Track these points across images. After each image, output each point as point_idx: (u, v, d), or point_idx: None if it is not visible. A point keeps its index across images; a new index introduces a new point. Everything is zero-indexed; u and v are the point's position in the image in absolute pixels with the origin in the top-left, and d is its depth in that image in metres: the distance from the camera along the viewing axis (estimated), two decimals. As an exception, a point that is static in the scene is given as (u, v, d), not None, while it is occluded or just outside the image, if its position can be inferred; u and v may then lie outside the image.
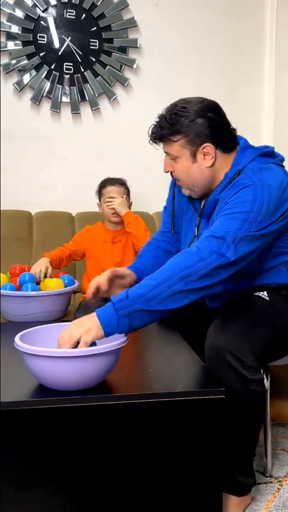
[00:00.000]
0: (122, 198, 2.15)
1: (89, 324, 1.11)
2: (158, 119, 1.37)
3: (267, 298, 1.39)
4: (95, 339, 1.10)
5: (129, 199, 2.22)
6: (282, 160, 1.44)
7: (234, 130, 1.40)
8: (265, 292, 1.41)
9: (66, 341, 1.09)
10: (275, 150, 1.45)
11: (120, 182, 2.20)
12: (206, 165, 1.36)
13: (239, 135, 1.43)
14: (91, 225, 2.27)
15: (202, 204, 1.46)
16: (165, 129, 1.34)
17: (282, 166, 1.42)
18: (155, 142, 1.39)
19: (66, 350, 1.05)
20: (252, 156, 1.36)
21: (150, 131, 1.38)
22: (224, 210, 1.29)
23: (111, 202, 2.12)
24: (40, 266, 1.94)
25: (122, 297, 1.14)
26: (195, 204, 1.50)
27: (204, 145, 1.34)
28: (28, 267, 2.02)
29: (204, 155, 1.36)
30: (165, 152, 1.40)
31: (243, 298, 1.42)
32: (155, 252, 1.65)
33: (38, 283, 1.90)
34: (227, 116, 1.41)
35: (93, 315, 1.13)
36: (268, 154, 1.40)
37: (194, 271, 1.17)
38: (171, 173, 1.44)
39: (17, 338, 1.10)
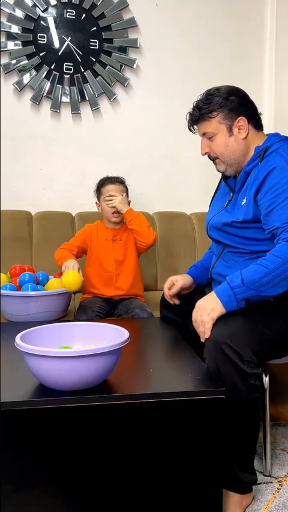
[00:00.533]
0: (122, 196, 2.13)
1: (212, 305, 1.32)
2: (193, 106, 1.53)
3: (272, 299, 1.40)
4: (219, 316, 1.31)
5: (127, 197, 2.20)
6: None
7: (260, 114, 1.56)
8: None
9: (204, 328, 1.30)
10: None
11: (120, 181, 2.18)
12: (241, 137, 1.51)
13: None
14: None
15: (235, 181, 1.57)
16: (203, 109, 1.50)
17: None
18: (193, 127, 1.56)
19: (66, 350, 1.05)
20: (279, 138, 1.50)
21: (187, 118, 1.55)
22: (272, 199, 1.37)
23: (111, 200, 2.10)
24: (72, 264, 1.94)
25: (238, 282, 1.30)
26: (229, 182, 1.62)
27: (238, 118, 1.49)
28: (28, 267, 2.02)
29: (239, 128, 1.50)
30: (202, 134, 1.54)
31: None
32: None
33: (37, 283, 1.90)
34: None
35: (213, 295, 1.33)
36: None
37: None
38: (208, 155, 1.57)
39: (17, 338, 1.10)
